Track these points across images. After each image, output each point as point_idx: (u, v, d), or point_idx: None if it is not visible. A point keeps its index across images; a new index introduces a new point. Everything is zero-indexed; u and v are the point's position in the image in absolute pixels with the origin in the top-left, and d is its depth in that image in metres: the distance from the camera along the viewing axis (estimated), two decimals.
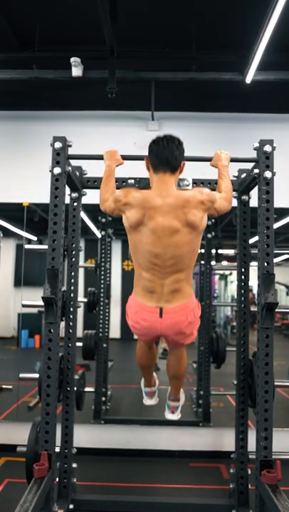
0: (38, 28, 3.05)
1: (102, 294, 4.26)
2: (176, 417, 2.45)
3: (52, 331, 2.23)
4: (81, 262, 3.26)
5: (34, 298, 2.96)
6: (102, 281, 4.28)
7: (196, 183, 2.66)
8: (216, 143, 3.73)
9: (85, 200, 2.88)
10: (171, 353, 2.32)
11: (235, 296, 2.92)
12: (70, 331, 2.73)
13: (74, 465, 2.67)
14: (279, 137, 2.48)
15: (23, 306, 3.22)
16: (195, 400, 4.36)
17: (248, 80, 3.16)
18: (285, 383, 3.28)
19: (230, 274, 9.00)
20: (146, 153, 2.15)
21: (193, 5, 2.84)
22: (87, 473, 3.10)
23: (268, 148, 2.30)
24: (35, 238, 6.04)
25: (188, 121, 3.91)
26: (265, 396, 2.21)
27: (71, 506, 2.60)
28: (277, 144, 2.34)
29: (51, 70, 3.26)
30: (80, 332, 3.24)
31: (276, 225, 2.42)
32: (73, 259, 2.79)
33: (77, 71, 3.13)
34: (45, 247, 2.31)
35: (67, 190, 2.53)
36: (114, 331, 5.69)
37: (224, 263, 6.53)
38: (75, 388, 2.75)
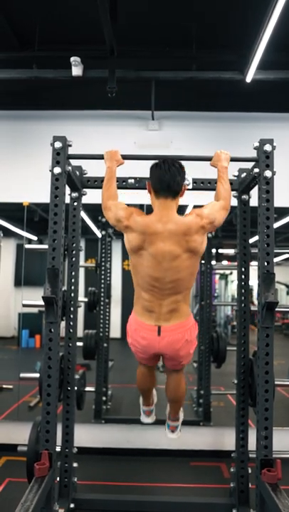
0: (38, 27, 3.05)
1: (102, 294, 4.26)
2: (176, 435, 2.51)
3: (52, 330, 2.23)
4: (81, 262, 3.26)
5: (34, 298, 2.96)
6: (103, 281, 4.28)
7: (197, 182, 2.66)
8: (216, 142, 3.73)
9: (85, 199, 2.88)
10: (169, 377, 2.38)
11: (236, 296, 2.92)
12: (71, 330, 2.73)
13: (75, 464, 2.67)
14: (279, 136, 2.47)
15: (24, 305, 3.22)
16: (195, 399, 4.36)
17: (248, 79, 3.16)
18: (285, 382, 3.28)
19: (231, 273, 8.99)
20: (146, 152, 2.16)
21: (193, 5, 2.85)
22: (88, 472, 3.11)
23: (268, 147, 2.30)
24: (35, 238, 6.04)
25: (189, 120, 3.92)
26: (265, 395, 2.21)
27: (72, 505, 2.60)
28: (278, 143, 2.33)
29: (51, 70, 3.26)
30: (80, 332, 3.24)
31: (276, 225, 2.43)
32: (73, 259, 2.79)
33: (77, 70, 3.13)
34: (46, 246, 2.32)
35: (68, 189, 2.53)
36: (115, 331, 5.68)
37: (224, 262, 6.53)
38: (76, 388, 2.76)
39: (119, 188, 2.40)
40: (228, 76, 3.25)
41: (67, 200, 2.52)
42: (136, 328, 2.15)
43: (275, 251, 2.30)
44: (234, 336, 3.25)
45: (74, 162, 2.53)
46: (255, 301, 2.61)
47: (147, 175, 2.63)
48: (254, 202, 2.47)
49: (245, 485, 2.60)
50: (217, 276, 9.13)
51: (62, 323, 2.60)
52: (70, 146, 2.36)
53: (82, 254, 2.98)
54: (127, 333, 2.24)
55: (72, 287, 2.76)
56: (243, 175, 2.74)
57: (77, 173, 2.73)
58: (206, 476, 3.25)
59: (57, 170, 2.30)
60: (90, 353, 4.11)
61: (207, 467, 3.40)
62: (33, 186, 3.72)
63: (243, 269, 2.79)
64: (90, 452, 3.38)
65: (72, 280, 2.77)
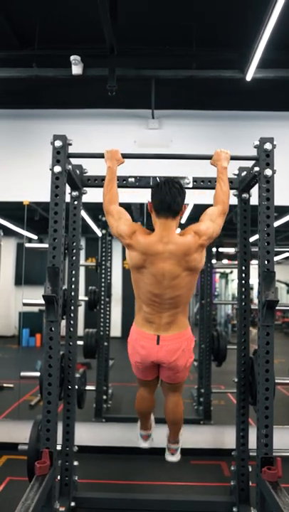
0: (38, 26, 3.05)
1: (102, 293, 4.26)
2: (176, 458, 2.50)
3: (53, 329, 2.23)
4: (82, 261, 3.26)
5: (35, 297, 2.97)
6: (103, 280, 4.28)
7: (197, 181, 2.66)
8: (216, 141, 3.73)
9: (85, 198, 2.88)
10: (167, 400, 2.42)
11: (236, 295, 2.93)
12: (71, 329, 2.73)
13: (75, 463, 2.67)
14: (279, 135, 2.47)
15: (24, 304, 3.23)
16: (196, 398, 4.37)
17: (249, 77, 3.16)
18: (285, 381, 3.29)
19: (231, 272, 9.00)
20: (146, 151, 2.16)
21: (193, 4, 2.84)
22: (89, 471, 3.11)
23: (268, 146, 2.30)
24: (35, 237, 6.05)
25: (189, 119, 3.91)
26: (265, 393, 2.21)
27: (72, 504, 2.61)
28: (278, 141, 2.33)
29: (51, 68, 3.26)
30: (80, 331, 3.24)
31: (276, 223, 2.43)
32: (74, 258, 2.79)
33: (77, 69, 3.12)
34: (46, 245, 2.32)
35: (68, 188, 2.53)
36: (115, 330, 5.69)
37: (225, 261, 6.54)
38: (76, 386, 2.76)
39: (119, 186, 2.40)
40: (228, 74, 3.25)
41: (68, 199, 2.52)
42: (136, 337, 2.24)
43: (276, 249, 2.31)
44: (234, 335, 3.25)
45: (74, 161, 2.53)
46: (256, 300, 2.62)
47: (147, 173, 2.65)
48: (254, 200, 2.47)
49: (245, 483, 2.61)
50: (217, 275, 9.14)
51: (63, 322, 2.61)
52: (71, 144, 2.37)
53: (82, 253, 2.98)
54: (128, 344, 2.32)
55: (73, 286, 2.77)
56: (244, 173, 2.74)
57: (78, 171, 2.73)
58: (207, 475, 3.25)
59: (57, 169, 2.30)
60: (90, 352, 4.11)
61: (207, 465, 3.41)
62: (33, 185, 3.72)
63: (243, 268, 2.79)
64: (91, 451, 3.38)
65: (73, 279, 2.78)
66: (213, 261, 4.45)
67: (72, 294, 2.75)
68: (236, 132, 3.77)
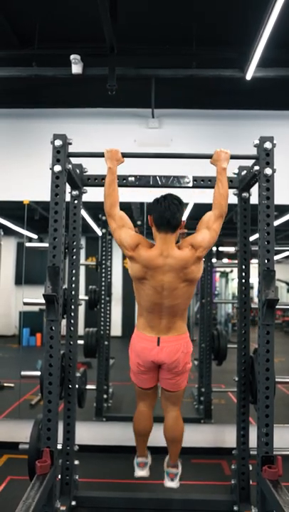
0: (38, 26, 3.05)
1: (103, 292, 4.27)
2: (175, 484, 2.46)
3: (53, 328, 2.24)
4: (82, 260, 3.26)
5: (35, 296, 2.97)
6: (103, 279, 4.28)
7: (197, 180, 2.66)
8: (216, 140, 3.73)
9: (85, 197, 2.88)
10: (167, 415, 2.47)
11: (236, 294, 2.93)
12: (72, 328, 2.73)
13: (76, 462, 2.68)
14: (279, 134, 2.47)
15: (25, 304, 3.22)
16: (196, 397, 4.37)
17: (248, 76, 3.16)
18: (285, 379, 3.29)
19: (231, 271, 9.00)
20: (146, 150, 2.17)
21: (193, 3, 2.84)
22: (89, 470, 3.11)
23: (268, 145, 2.30)
24: (35, 236, 6.04)
25: (189, 118, 3.91)
26: (266, 392, 2.22)
27: (73, 503, 2.61)
28: (278, 140, 2.33)
29: (51, 68, 3.26)
30: (81, 330, 3.24)
31: (276, 222, 2.42)
32: (74, 257, 2.79)
33: (77, 68, 3.12)
34: (46, 245, 2.32)
35: (68, 188, 2.53)
36: (116, 329, 5.70)
37: (225, 260, 6.54)
38: (77, 386, 2.76)
39: (119, 185, 2.41)
40: (228, 74, 3.24)
41: (68, 198, 2.52)
42: (137, 340, 2.35)
43: (276, 248, 2.31)
44: (235, 334, 3.25)
45: (74, 160, 2.53)
46: (256, 299, 2.62)
47: (147, 173, 2.65)
48: (254, 200, 2.47)
49: (246, 482, 2.61)
50: (218, 274, 9.14)
51: (63, 322, 2.61)
52: (71, 144, 2.37)
53: (82, 253, 2.98)
54: (130, 348, 2.41)
55: (73, 285, 2.77)
56: (244, 172, 2.74)
57: (78, 171, 2.73)
58: (207, 474, 3.26)
59: (57, 168, 2.30)
60: (90, 351, 4.11)
61: (208, 464, 3.41)
62: (33, 184, 3.72)
63: (243, 267, 2.79)
64: (91, 450, 3.39)
65: (73, 278, 2.78)
66: (214, 260, 4.45)
67: (73, 293, 2.75)
68: (236, 131, 3.76)
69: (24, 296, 3.44)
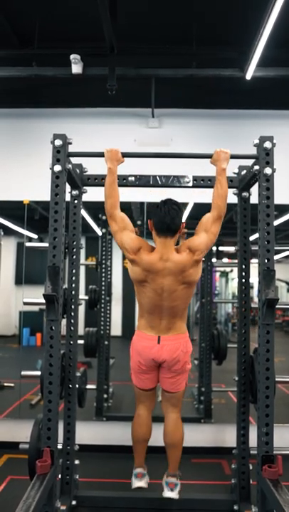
0: (37, 25, 3.05)
1: (103, 292, 4.27)
2: (175, 495, 2.39)
3: (53, 328, 2.24)
4: (82, 260, 3.26)
5: (35, 296, 2.97)
6: (103, 279, 4.29)
7: (197, 180, 2.67)
8: (216, 139, 3.73)
9: (85, 197, 2.88)
10: (167, 417, 2.49)
11: (236, 293, 2.93)
12: (72, 328, 2.73)
13: (76, 462, 2.68)
14: (279, 133, 2.48)
15: (25, 303, 3.22)
16: (196, 396, 4.37)
17: (248, 76, 3.15)
18: (285, 379, 3.29)
19: (231, 271, 9.00)
20: (146, 150, 2.17)
21: (193, 3, 2.84)
22: (90, 469, 3.11)
23: (268, 144, 2.30)
24: (35, 236, 6.04)
25: (189, 118, 3.91)
26: (266, 392, 2.22)
27: (74, 502, 2.62)
28: (278, 140, 2.34)
29: (51, 68, 3.25)
30: (81, 330, 3.24)
31: (276, 222, 2.43)
32: (74, 257, 2.80)
33: (77, 68, 3.12)
34: (46, 244, 2.32)
35: (68, 187, 2.53)
36: (116, 329, 5.69)
37: (225, 260, 6.53)
38: (77, 385, 2.76)
39: (119, 185, 2.42)
40: (228, 73, 3.24)
41: (68, 198, 2.52)
42: (139, 339, 2.40)
43: (276, 248, 2.31)
44: (235, 334, 3.25)
45: (74, 160, 2.53)
46: (256, 299, 2.62)
47: (147, 172, 2.66)
48: (254, 199, 2.47)
49: (246, 481, 2.62)
50: (218, 274, 9.14)
51: (63, 321, 2.61)
52: (71, 143, 2.37)
53: (82, 252, 2.98)
54: (131, 348, 2.45)
55: (73, 285, 2.77)
56: (243, 172, 2.74)
57: (78, 171, 2.73)
58: (207, 473, 3.26)
59: (57, 168, 2.30)
60: (91, 351, 4.12)
61: (208, 464, 3.41)
62: (33, 184, 3.72)
63: (243, 267, 2.79)
64: (92, 449, 3.39)
65: (73, 278, 2.78)
66: (214, 260, 4.45)
67: (73, 293, 2.75)
68: (236, 131, 3.76)
69: (24, 296, 3.44)
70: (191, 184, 2.66)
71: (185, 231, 2.53)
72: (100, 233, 4.37)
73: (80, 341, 3.67)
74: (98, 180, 2.76)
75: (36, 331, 7.21)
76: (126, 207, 2.47)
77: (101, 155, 2.41)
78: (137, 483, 2.47)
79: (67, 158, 2.35)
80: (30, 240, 5.95)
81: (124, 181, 2.63)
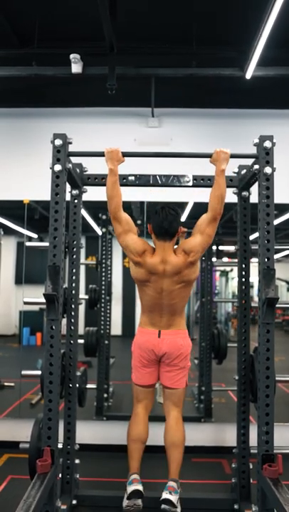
0: (37, 25, 3.04)
1: (103, 291, 4.27)
2: (174, 499, 2.24)
3: (54, 327, 2.24)
4: (82, 259, 3.26)
5: (35, 295, 2.97)
6: (103, 279, 4.29)
7: (197, 179, 2.67)
8: (216, 139, 3.73)
9: (85, 197, 2.88)
10: (168, 415, 2.49)
11: (236, 293, 2.94)
12: (72, 327, 2.73)
13: (76, 461, 2.69)
14: (279, 133, 2.48)
15: (25, 303, 3.23)
16: (197, 395, 4.37)
17: (248, 75, 3.15)
18: (285, 378, 3.30)
19: (231, 270, 8.99)
20: (146, 149, 2.17)
21: (193, 2, 2.83)
22: (90, 469, 3.12)
23: (267, 144, 2.30)
24: (35, 236, 6.04)
25: (189, 117, 3.91)
26: (266, 391, 2.22)
27: (74, 502, 2.62)
28: (277, 139, 2.34)
29: (51, 67, 3.25)
30: (81, 329, 3.25)
31: (276, 221, 2.43)
32: (74, 256, 2.80)
33: (76, 68, 3.12)
34: (47, 244, 2.32)
35: (68, 187, 2.53)
36: (116, 328, 5.69)
37: (225, 259, 6.53)
38: (77, 385, 2.77)
39: (122, 186, 2.42)
40: (228, 73, 3.24)
41: (68, 197, 2.53)
42: (140, 335, 2.49)
43: (276, 247, 2.31)
44: (235, 333, 3.25)
45: (74, 159, 2.54)
46: (256, 298, 2.62)
47: (147, 172, 2.67)
48: (254, 198, 2.47)
49: (246, 480, 2.62)
50: (218, 273, 9.13)
51: (64, 321, 2.61)
52: (71, 143, 2.37)
53: (82, 252, 2.98)
54: (133, 344, 2.52)
55: (73, 285, 2.77)
56: (243, 171, 2.74)
57: (78, 170, 2.73)
58: (208, 472, 3.26)
59: (57, 167, 2.30)
60: (91, 351, 4.12)
61: (208, 463, 3.42)
62: (33, 184, 3.72)
63: (243, 266, 2.79)
64: (92, 449, 3.39)
65: (73, 277, 2.78)
66: (214, 259, 4.45)
67: (73, 292, 2.75)
68: (236, 130, 3.77)
69: (24, 296, 3.44)
70: (191, 183, 2.66)
71: (185, 230, 2.56)
72: (99, 233, 4.37)
73: (80, 341, 3.68)
74: (98, 180, 2.77)
75: (36, 330, 7.20)
76: (126, 206, 2.48)
77: (101, 154, 2.41)
78: (134, 486, 2.33)
79: (67, 157, 2.35)
80: (30, 239, 5.95)
81: (124, 181, 2.63)
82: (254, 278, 2.60)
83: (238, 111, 3.88)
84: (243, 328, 2.76)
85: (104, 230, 4.32)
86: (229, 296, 9.24)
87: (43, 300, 2.22)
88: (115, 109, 3.86)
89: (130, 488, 2.32)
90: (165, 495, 2.29)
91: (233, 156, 2.40)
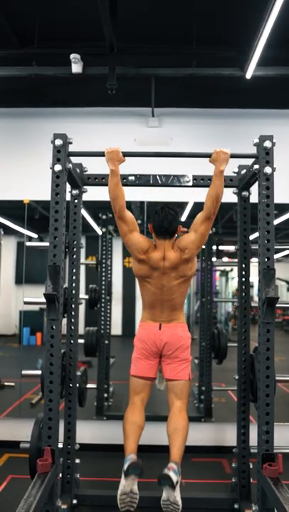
0: (37, 25, 3.05)
1: (103, 291, 4.27)
2: (173, 476, 2.15)
3: (54, 327, 2.24)
4: (82, 259, 3.26)
5: (35, 295, 2.97)
6: (104, 278, 4.29)
7: (197, 179, 2.67)
8: (216, 139, 3.73)
9: (85, 197, 2.88)
10: (172, 406, 2.47)
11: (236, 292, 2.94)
12: (72, 327, 2.74)
13: (77, 461, 2.69)
14: (279, 133, 2.48)
15: (25, 303, 3.23)
16: (197, 395, 4.38)
17: (248, 75, 3.16)
18: (285, 378, 3.30)
19: (231, 270, 8.99)
20: (146, 149, 2.18)
21: (193, 3, 2.83)
22: (90, 468, 3.12)
23: (267, 143, 2.31)
24: (35, 236, 6.04)
25: (189, 117, 3.91)
26: (266, 390, 2.22)
27: (74, 501, 2.62)
28: (277, 139, 2.34)
29: (51, 67, 3.25)
30: (81, 329, 3.25)
31: (276, 221, 2.43)
32: (74, 256, 2.80)
33: (77, 68, 3.12)
34: (47, 244, 2.32)
35: (68, 187, 2.53)
36: (116, 328, 5.69)
37: (225, 259, 6.53)
38: (78, 385, 2.77)
39: (123, 186, 2.43)
40: (228, 72, 3.24)
41: (68, 197, 2.53)
42: (142, 328, 2.56)
43: (276, 247, 2.31)
44: (235, 333, 3.26)
45: (74, 159, 2.54)
46: (256, 298, 2.63)
47: (148, 172, 2.67)
48: (254, 198, 2.48)
49: (246, 480, 2.62)
50: (218, 273, 9.13)
51: (64, 321, 2.62)
52: (71, 143, 2.37)
53: (82, 252, 2.98)
54: (135, 338, 2.57)
55: (74, 284, 2.77)
56: (243, 171, 2.74)
57: (78, 170, 2.73)
58: (208, 472, 3.27)
59: (57, 167, 2.30)
60: (91, 350, 4.12)
61: (209, 463, 3.42)
62: (33, 184, 3.72)
63: (243, 266, 2.80)
64: (92, 449, 3.40)
65: (73, 277, 2.78)
66: (214, 259, 4.45)
67: (73, 292, 2.76)
68: (236, 130, 3.77)
69: (24, 296, 3.44)
70: (191, 183, 2.66)
71: (184, 230, 2.57)
72: (100, 232, 4.37)
73: (81, 341, 3.68)
74: (98, 180, 2.77)
75: (36, 330, 7.20)
76: (126, 206, 2.48)
77: (101, 154, 2.41)
78: (131, 459, 2.24)
79: (67, 157, 2.35)
80: (30, 239, 5.95)
81: (124, 180, 2.63)
82: (254, 278, 2.60)
83: (238, 111, 3.88)
84: (243, 327, 2.76)
85: (104, 229, 4.32)
86: (229, 296, 9.25)
87: (43, 300, 2.22)
88: (115, 109, 3.86)
89: (127, 464, 2.22)
90: (164, 471, 2.19)
91: (233, 156, 2.41)
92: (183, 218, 2.46)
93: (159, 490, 2.45)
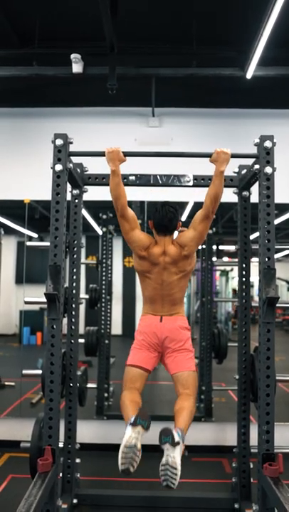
0: (38, 25, 3.05)
1: (103, 291, 4.27)
2: (176, 436, 2.06)
3: (54, 327, 2.25)
4: (82, 259, 3.27)
5: (35, 295, 2.97)
6: (104, 278, 4.29)
7: (197, 179, 2.67)
8: (216, 139, 3.73)
9: (86, 196, 2.88)
10: (179, 396, 2.38)
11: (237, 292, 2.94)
12: (73, 327, 2.74)
13: (77, 460, 2.69)
14: (279, 133, 2.48)
15: (26, 302, 3.24)
16: (197, 395, 4.37)
17: (249, 75, 3.16)
18: (286, 378, 3.30)
19: (232, 270, 9.00)
20: (147, 149, 2.18)
21: (193, 3, 2.84)
22: (90, 468, 3.13)
23: (268, 143, 2.31)
24: (36, 235, 6.04)
25: (189, 117, 3.91)
26: (266, 390, 2.23)
27: (75, 501, 2.63)
28: (278, 139, 2.34)
29: (51, 67, 3.26)
30: (81, 329, 3.25)
31: (277, 221, 2.43)
32: (75, 256, 2.80)
33: (77, 67, 3.12)
34: (47, 244, 2.33)
35: (69, 187, 2.54)
36: (116, 328, 5.69)
37: (225, 259, 6.54)
38: (78, 384, 2.77)
39: (125, 186, 2.43)
40: (228, 72, 3.24)
41: (69, 197, 2.53)
42: (144, 321, 2.57)
43: (276, 247, 2.32)
44: (235, 332, 3.26)
45: (75, 159, 2.54)
46: (256, 297, 2.63)
47: (148, 171, 2.67)
48: (255, 198, 2.48)
49: (247, 479, 2.63)
50: (218, 273, 9.13)
51: (64, 320, 2.62)
52: (71, 143, 2.37)
53: (83, 252, 2.99)
54: (136, 332, 2.57)
55: (74, 284, 2.78)
56: (244, 171, 2.74)
57: (78, 170, 2.74)
58: (208, 472, 3.27)
59: (58, 167, 2.30)
60: (91, 350, 4.12)
61: (209, 462, 3.42)
62: (33, 183, 3.72)
63: (243, 265, 2.80)
64: (92, 448, 3.40)
65: (74, 277, 2.79)
66: (214, 259, 4.45)
67: (74, 292, 2.76)
68: (236, 130, 3.77)
69: (25, 295, 3.45)
70: (191, 183, 2.67)
71: (184, 229, 2.58)
72: (100, 232, 4.37)
73: (81, 340, 3.68)
74: (99, 180, 2.77)
75: (36, 330, 7.21)
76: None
77: (102, 154, 2.41)
78: (131, 425, 2.11)
79: (68, 157, 2.36)
80: (30, 239, 5.95)
81: (124, 180, 2.62)
82: (254, 277, 2.60)
83: (238, 111, 3.88)
84: (243, 327, 2.76)
85: (104, 229, 4.33)
86: (229, 295, 9.25)
87: (44, 299, 2.23)
88: (116, 109, 3.86)
89: (127, 433, 2.09)
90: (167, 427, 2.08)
91: (233, 156, 2.40)
92: (183, 218, 2.46)
93: (160, 489, 2.45)
